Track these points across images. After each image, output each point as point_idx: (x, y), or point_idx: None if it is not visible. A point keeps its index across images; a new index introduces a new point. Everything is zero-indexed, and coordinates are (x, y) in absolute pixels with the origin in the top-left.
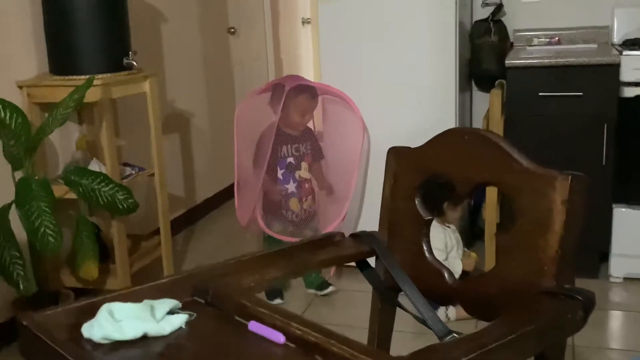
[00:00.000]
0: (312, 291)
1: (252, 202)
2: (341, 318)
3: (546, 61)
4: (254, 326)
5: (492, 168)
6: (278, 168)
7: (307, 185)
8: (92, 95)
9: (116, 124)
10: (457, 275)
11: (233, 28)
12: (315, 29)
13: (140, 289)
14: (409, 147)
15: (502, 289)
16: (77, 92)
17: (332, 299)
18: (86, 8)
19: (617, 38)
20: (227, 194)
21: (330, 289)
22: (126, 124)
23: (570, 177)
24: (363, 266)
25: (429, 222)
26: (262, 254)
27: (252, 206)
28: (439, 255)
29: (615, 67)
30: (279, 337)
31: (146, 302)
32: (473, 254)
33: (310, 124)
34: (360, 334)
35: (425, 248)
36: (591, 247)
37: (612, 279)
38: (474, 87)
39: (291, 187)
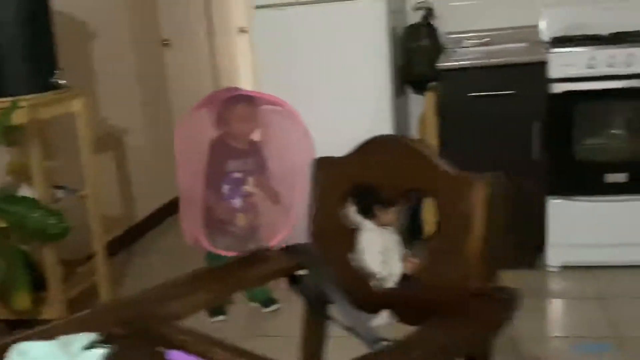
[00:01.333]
0: (254, 305)
1: (199, 219)
2: (286, 330)
3: (476, 62)
4: (174, 356)
5: (415, 174)
6: (224, 184)
7: (251, 200)
8: (19, 117)
9: (48, 145)
10: (396, 279)
11: (167, 40)
12: (251, 38)
13: (59, 323)
14: (334, 157)
15: (431, 293)
16: (2, 117)
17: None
18: (8, 27)
19: (546, 36)
20: (169, 209)
21: (275, 306)
22: (59, 144)
23: (486, 178)
24: (294, 278)
25: (358, 231)
26: (191, 275)
27: (198, 223)
28: (378, 258)
29: (543, 65)
30: None
31: (61, 338)
32: (414, 258)
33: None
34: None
35: (354, 257)
36: (528, 240)
37: (549, 269)
38: (411, 91)
39: (237, 202)
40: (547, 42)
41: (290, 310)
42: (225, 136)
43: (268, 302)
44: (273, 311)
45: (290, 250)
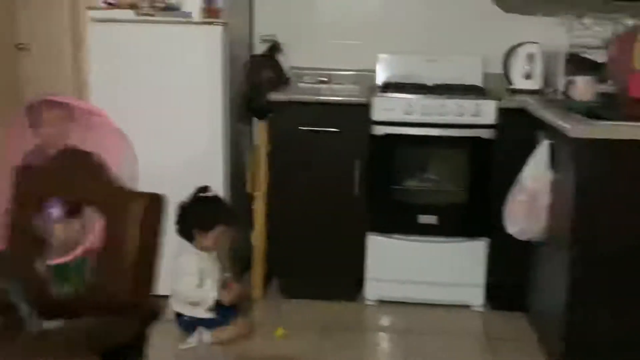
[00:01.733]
0: None
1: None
2: None
3: (305, 97)
4: None
5: (88, 187)
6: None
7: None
8: None
9: None
10: (209, 304)
11: (23, 44)
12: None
13: None
14: (34, 168)
15: (94, 304)
16: None
17: None
18: None
19: (380, 81)
20: None
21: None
22: None
23: (145, 197)
24: None
25: (47, 240)
26: None
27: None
28: (191, 281)
29: (367, 107)
30: None
31: None
32: (235, 285)
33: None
34: None
35: (42, 265)
36: (349, 273)
37: (367, 302)
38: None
39: (56, 212)
40: (379, 87)
41: None
42: (41, 146)
43: None
44: None
45: None
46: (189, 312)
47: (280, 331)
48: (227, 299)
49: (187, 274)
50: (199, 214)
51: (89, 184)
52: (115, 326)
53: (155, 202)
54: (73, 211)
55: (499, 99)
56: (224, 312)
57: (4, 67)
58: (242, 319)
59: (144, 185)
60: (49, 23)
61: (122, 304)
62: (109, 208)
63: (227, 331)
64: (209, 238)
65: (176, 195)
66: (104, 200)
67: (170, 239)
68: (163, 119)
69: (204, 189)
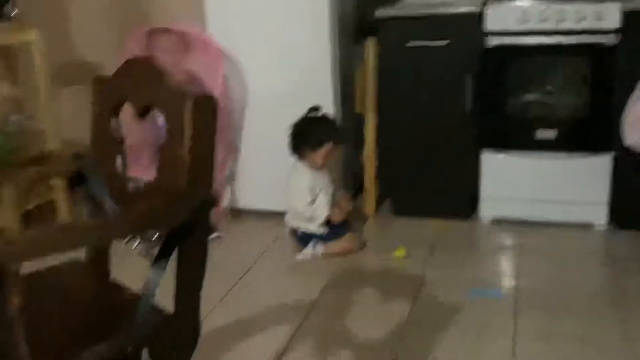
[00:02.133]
0: None
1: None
2: (224, 259)
3: (412, 12)
4: None
5: (153, 91)
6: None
7: None
8: None
9: (14, 75)
10: (320, 220)
11: None
12: None
13: None
14: (106, 76)
15: (159, 195)
16: None
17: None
18: None
19: None
20: None
21: (214, 235)
22: (27, 75)
23: (195, 97)
24: (78, 181)
25: (122, 142)
26: None
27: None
28: (304, 198)
29: (479, 18)
30: None
31: None
32: (345, 203)
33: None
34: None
35: (119, 163)
36: (462, 190)
37: (481, 221)
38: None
39: None
40: None
41: (230, 240)
42: None
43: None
44: (213, 239)
45: (73, 156)
46: (303, 226)
47: (400, 251)
48: (337, 216)
49: (299, 191)
50: (308, 133)
51: (153, 88)
52: (176, 209)
53: (206, 102)
54: (143, 113)
55: (623, 1)
56: (336, 227)
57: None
58: (353, 234)
59: (255, 107)
60: None
61: (182, 192)
62: (169, 108)
63: (338, 245)
64: (319, 155)
65: (287, 116)
66: (165, 102)
67: (284, 157)
68: (271, 40)
69: (315, 109)
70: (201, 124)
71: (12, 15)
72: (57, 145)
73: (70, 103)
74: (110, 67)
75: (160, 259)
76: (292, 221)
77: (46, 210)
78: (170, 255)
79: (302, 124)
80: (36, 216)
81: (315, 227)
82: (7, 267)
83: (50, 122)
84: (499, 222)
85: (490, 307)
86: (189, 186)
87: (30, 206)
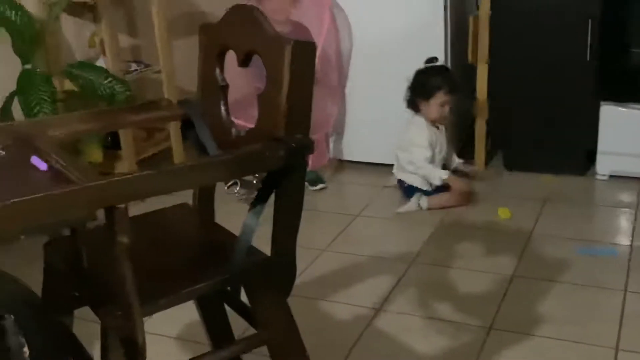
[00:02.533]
0: None
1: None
2: (331, 206)
3: None
4: (34, 160)
5: (253, 38)
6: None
7: None
8: None
9: (134, 25)
10: (437, 182)
11: None
12: None
13: None
14: (210, 23)
15: (259, 141)
16: None
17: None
18: None
19: None
20: None
21: (321, 185)
22: (146, 25)
23: (292, 43)
24: (187, 127)
25: (226, 88)
26: (87, 111)
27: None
28: (423, 152)
29: None
30: (43, 165)
31: None
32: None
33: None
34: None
35: (223, 109)
36: (579, 145)
37: (598, 177)
38: None
39: None
40: None
41: (335, 190)
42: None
43: (316, 180)
44: (320, 189)
45: (181, 103)
46: (408, 179)
47: (505, 212)
48: (454, 184)
49: (418, 145)
50: (421, 83)
51: (253, 35)
52: (274, 153)
53: (304, 48)
54: (244, 61)
55: None
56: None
57: None
58: (461, 186)
59: (363, 55)
60: None
61: (280, 137)
62: (268, 54)
63: (444, 198)
64: (432, 106)
65: (395, 65)
66: (264, 48)
67: (391, 109)
68: None
69: (432, 59)
70: (299, 69)
71: None
72: (173, 92)
73: (186, 51)
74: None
75: (257, 202)
76: (400, 173)
77: (162, 157)
78: (267, 199)
79: (417, 75)
80: (153, 163)
81: (421, 182)
82: (116, 207)
83: (166, 70)
84: (617, 178)
85: (601, 265)
86: (287, 131)
87: (148, 154)
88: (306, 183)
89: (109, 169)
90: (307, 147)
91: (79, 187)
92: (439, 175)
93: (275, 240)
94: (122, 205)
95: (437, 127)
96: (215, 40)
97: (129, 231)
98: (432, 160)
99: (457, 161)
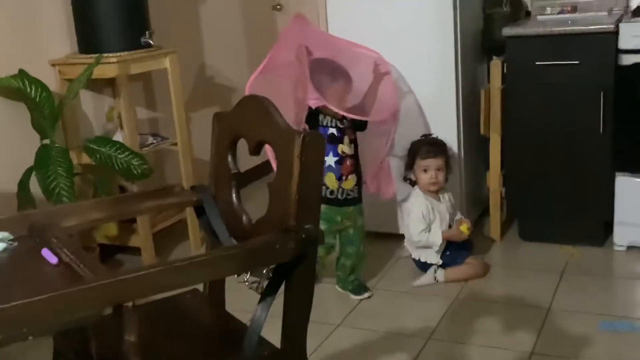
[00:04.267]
0: (342, 291)
1: None
2: (376, 322)
3: (541, 30)
4: (44, 252)
5: (264, 128)
6: None
7: (348, 163)
8: (110, 71)
9: (152, 99)
10: (436, 248)
11: (279, 5)
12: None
13: None
14: (224, 112)
15: (270, 230)
16: (88, 69)
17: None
18: None
19: (634, 5)
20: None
21: (367, 294)
22: (164, 98)
23: (302, 135)
24: (199, 213)
25: (237, 175)
26: (100, 199)
27: None
28: (418, 225)
29: (612, 35)
30: (53, 259)
31: None
32: (463, 226)
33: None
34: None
35: (234, 196)
36: (596, 216)
37: (615, 247)
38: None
39: (330, 160)
40: (631, 11)
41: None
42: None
43: (360, 289)
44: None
45: (193, 189)
46: (417, 255)
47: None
48: (455, 234)
49: (413, 219)
50: (410, 153)
51: (264, 125)
52: (285, 245)
53: (312, 139)
54: (255, 150)
55: None
56: (456, 252)
57: (265, 28)
58: (476, 258)
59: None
60: None
61: (289, 228)
62: (279, 145)
63: (460, 270)
64: (417, 173)
65: (410, 138)
66: (275, 138)
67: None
68: (396, 58)
69: (427, 135)
70: (309, 160)
71: (148, 42)
72: (189, 164)
73: (203, 124)
74: (241, 93)
75: (267, 294)
76: (412, 250)
77: (179, 229)
78: (277, 290)
79: (409, 148)
80: (169, 235)
81: (432, 256)
82: (124, 305)
83: (183, 143)
84: (635, 249)
85: (623, 340)
86: (297, 221)
87: (163, 226)
88: (348, 292)
89: (124, 242)
90: (317, 238)
91: (87, 286)
92: (435, 240)
93: (285, 332)
94: (129, 303)
95: (438, 198)
96: (228, 129)
97: (136, 329)
98: (428, 230)
99: (458, 217)
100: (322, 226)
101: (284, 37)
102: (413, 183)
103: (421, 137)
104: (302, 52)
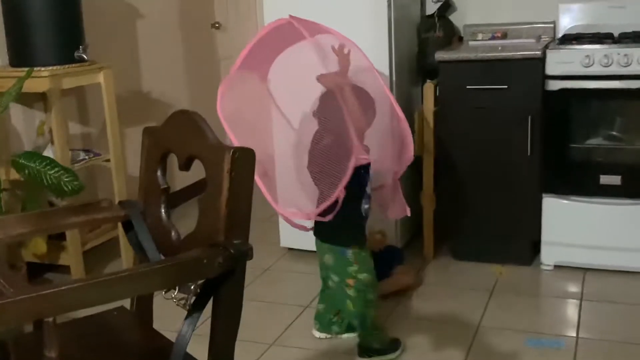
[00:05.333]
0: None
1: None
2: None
3: (472, 55)
4: None
5: (194, 143)
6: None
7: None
8: (41, 85)
9: (85, 114)
10: None
11: (218, 23)
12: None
13: None
14: (154, 127)
15: (198, 245)
16: (18, 82)
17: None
18: (39, 6)
19: (561, 32)
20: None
21: (393, 354)
22: (97, 114)
23: (232, 150)
24: (128, 229)
25: (167, 190)
26: (22, 214)
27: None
28: None
29: (539, 62)
30: None
31: None
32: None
33: None
34: (282, 309)
35: (163, 212)
36: (524, 236)
37: (543, 267)
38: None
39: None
40: (559, 39)
41: (284, 279)
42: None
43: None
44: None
45: (122, 204)
46: None
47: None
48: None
49: None
50: None
51: (194, 140)
52: (212, 261)
53: (242, 154)
54: (185, 165)
55: None
56: (385, 263)
57: (204, 46)
58: (406, 267)
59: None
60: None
61: (218, 243)
62: (208, 160)
63: (390, 282)
64: None
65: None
66: (205, 154)
67: None
68: None
69: None
70: (238, 175)
71: (82, 57)
72: (122, 180)
73: (137, 140)
74: (180, 107)
75: (194, 310)
76: None
77: (110, 247)
78: (204, 307)
79: None
80: (101, 253)
81: None
82: (45, 321)
83: (116, 159)
84: (561, 269)
85: (548, 357)
86: (226, 237)
87: (94, 244)
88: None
89: (53, 260)
90: (245, 253)
91: (7, 300)
92: None
93: (213, 349)
94: (50, 319)
95: None
96: (158, 144)
97: (57, 346)
98: None
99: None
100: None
101: (274, 28)
102: None
103: None
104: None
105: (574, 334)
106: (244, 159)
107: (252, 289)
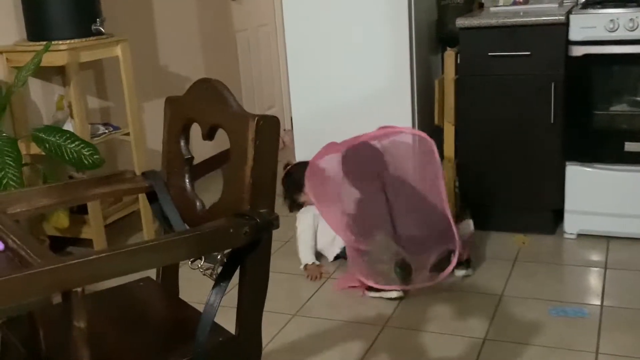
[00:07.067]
0: None
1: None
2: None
3: (493, 21)
4: None
5: (217, 112)
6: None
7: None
8: (59, 59)
9: (103, 87)
10: (337, 250)
11: None
12: None
13: None
14: (176, 97)
15: (224, 215)
16: (36, 56)
17: None
18: None
19: None
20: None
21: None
22: (115, 87)
23: (257, 119)
24: (152, 200)
25: (190, 161)
26: (46, 186)
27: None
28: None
29: (562, 27)
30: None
31: None
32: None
33: None
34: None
35: (187, 182)
36: (547, 205)
37: (566, 235)
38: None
39: None
40: (582, 3)
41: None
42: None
43: None
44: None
45: (145, 174)
46: None
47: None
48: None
49: (300, 231)
50: (293, 182)
51: (218, 109)
52: (238, 231)
53: (267, 122)
54: (209, 135)
55: None
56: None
57: (220, 18)
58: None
59: (332, 117)
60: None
61: (244, 212)
62: (232, 129)
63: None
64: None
65: (365, 128)
66: (229, 123)
67: None
68: (349, 49)
69: (287, 165)
70: (263, 144)
71: (99, 30)
72: (142, 154)
73: (156, 113)
74: (195, 78)
75: (221, 280)
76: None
77: (131, 221)
78: (231, 276)
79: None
80: (122, 227)
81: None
82: (73, 291)
83: (135, 132)
84: (585, 237)
85: (572, 326)
86: (252, 206)
87: (116, 218)
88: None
89: (75, 234)
90: (271, 223)
91: (35, 271)
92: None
93: (240, 318)
94: (79, 289)
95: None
96: (180, 114)
97: (85, 316)
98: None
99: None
100: None
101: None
102: (301, 205)
103: (285, 168)
104: None
105: (598, 303)
106: (269, 127)
107: (273, 260)
